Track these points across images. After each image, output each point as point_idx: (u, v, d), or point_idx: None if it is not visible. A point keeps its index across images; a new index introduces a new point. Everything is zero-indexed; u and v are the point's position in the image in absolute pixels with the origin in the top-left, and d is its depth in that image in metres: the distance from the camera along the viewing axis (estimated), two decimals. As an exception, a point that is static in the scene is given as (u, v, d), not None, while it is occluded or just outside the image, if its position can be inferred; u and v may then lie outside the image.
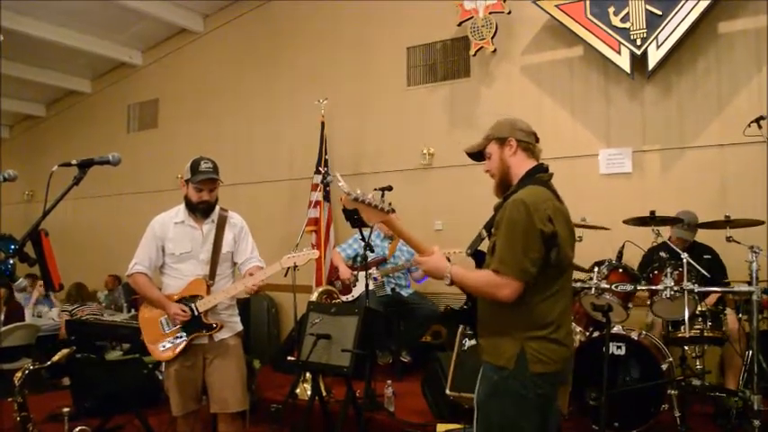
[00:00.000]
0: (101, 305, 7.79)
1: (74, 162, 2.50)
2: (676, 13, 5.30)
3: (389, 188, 5.24)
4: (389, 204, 2.31)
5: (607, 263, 4.28)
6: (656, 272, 4.22)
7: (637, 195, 5.56)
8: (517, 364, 2.23)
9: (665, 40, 5.36)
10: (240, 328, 3.66)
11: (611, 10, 5.59)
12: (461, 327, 4.48)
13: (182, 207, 3.57)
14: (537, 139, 2.48)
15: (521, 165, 2.42)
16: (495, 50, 6.30)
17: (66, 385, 5.87)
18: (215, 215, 3.57)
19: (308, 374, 4.97)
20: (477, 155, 2.55)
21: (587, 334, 4.44)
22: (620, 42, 5.54)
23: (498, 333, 2.31)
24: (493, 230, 2.35)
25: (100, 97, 10.27)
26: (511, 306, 2.23)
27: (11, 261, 2.20)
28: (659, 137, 5.66)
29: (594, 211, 5.01)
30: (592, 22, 5.67)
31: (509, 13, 6.17)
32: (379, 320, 5.39)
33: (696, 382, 4.30)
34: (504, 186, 2.45)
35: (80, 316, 6.60)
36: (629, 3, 5.50)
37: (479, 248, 2.49)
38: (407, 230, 2.42)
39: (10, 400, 3.09)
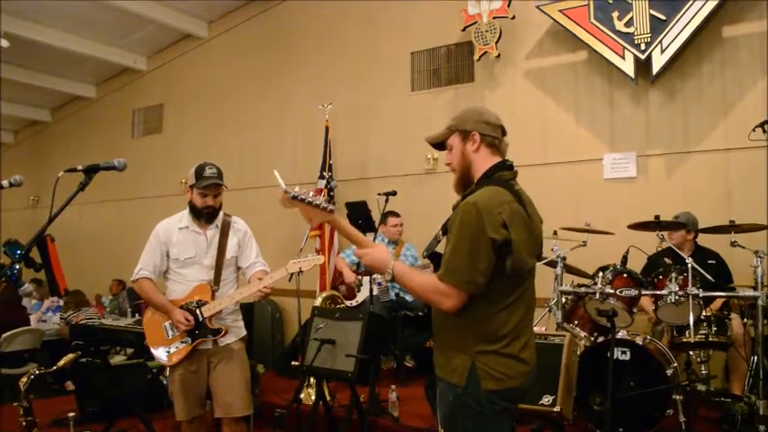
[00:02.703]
0: (105, 308, 7.81)
1: (79, 168, 2.50)
2: (680, 17, 5.30)
3: (394, 193, 5.25)
4: (330, 202, 2.17)
5: (611, 268, 4.27)
6: (660, 277, 4.21)
7: (641, 200, 5.55)
8: (468, 381, 2.07)
9: (670, 44, 5.36)
10: (244, 332, 3.67)
11: (615, 15, 5.59)
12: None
13: (186, 212, 3.58)
14: (504, 133, 2.29)
15: (484, 161, 2.24)
16: (498, 55, 6.30)
17: (69, 390, 5.89)
18: (219, 220, 3.58)
19: (312, 379, 4.97)
20: (440, 144, 2.38)
21: (592, 339, 4.43)
22: (624, 47, 5.54)
23: (450, 346, 2.16)
24: (448, 233, 2.18)
25: (105, 102, 10.32)
26: (461, 317, 2.07)
27: (17, 266, 2.21)
28: (663, 141, 5.66)
29: (598, 216, 5.01)
30: (596, 26, 5.67)
31: (513, 17, 6.18)
32: (384, 325, 5.39)
33: (701, 387, 4.29)
34: (465, 183, 2.28)
35: (75, 322, 6.60)
36: (633, 7, 5.51)
37: (436, 250, 2.35)
38: (352, 228, 2.29)
39: (16, 404, 3.09)
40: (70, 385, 6.11)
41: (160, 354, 3.51)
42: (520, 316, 2.14)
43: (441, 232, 2.29)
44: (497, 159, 2.26)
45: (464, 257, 2.03)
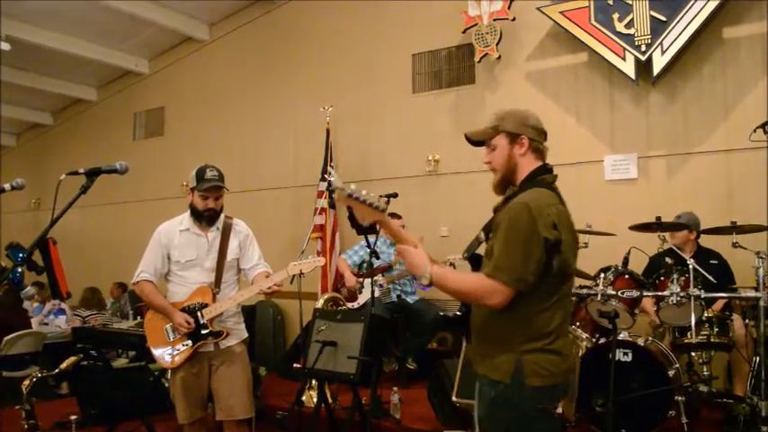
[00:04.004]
0: (107, 311, 7.81)
1: (81, 171, 2.50)
2: (681, 18, 5.30)
3: (395, 195, 5.25)
4: (385, 202, 2.17)
5: (613, 269, 4.27)
6: (662, 278, 4.21)
7: (642, 201, 5.54)
8: (514, 379, 2.11)
9: (670, 45, 5.36)
10: (246, 335, 3.67)
11: (616, 16, 5.59)
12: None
13: (187, 215, 3.58)
14: (545, 138, 2.36)
15: (529, 165, 2.29)
16: (499, 57, 6.31)
17: (64, 393, 5.91)
18: (220, 223, 3.59)
19: (313, 381, 4.97)
20: (475, 140, 2.40)
21: (593, 340, 4.43)
22: (625, 48, 5.54)
23: (494, 344, 2.20)
24: (491, 233, 2.23)
25: (106, 105, 10.33)
26: (508, 315, 2.12)
27: (19, 269, 2.21)
28: (664, 142, 5.66)
29: (600, 218, 5.00)
30: (596, 28, 5.68)
31: (513, 19, 6.19)
32: (385, 327, 5.39)
33: (703, 388, 4.29)
34: (506, 184, 2.33)
35: (93, 324, 6.62)
36: (634, 9, 5.51)
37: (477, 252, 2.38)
38: (399, 227, 2.31)
39: (18, 407, 3.10)
40: (64, 388, 6.14)
41: (161, 356, 3.51)
42: (562, 315, 2.21)
43: (482, 233, 2.33)
44: (540, 163, 2.32)
45: (516, 255, 2.07)
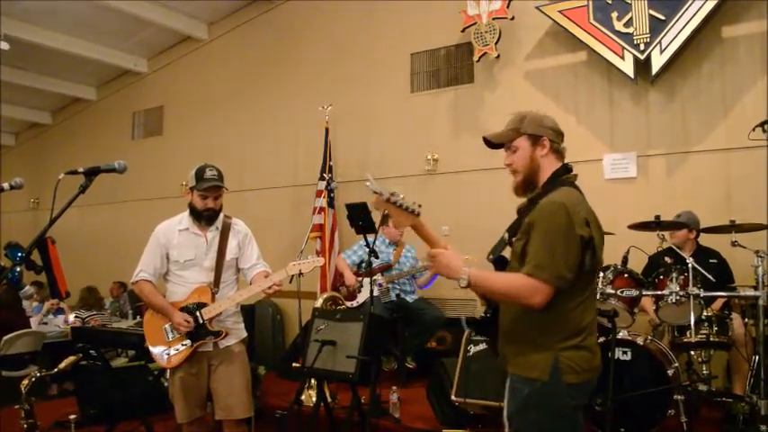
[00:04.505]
0: (107, 311, 7.81)
1: (80, 170, 2.50)
2: (679, 17, 5.30)
3: (394, 194, 5.24)
4: (419, 205, 2.17)
5: (612, 268, 4.27)
6: (661, 277, 4.21)
7: (641, 200, 5.54)
8: (551, 376, 2.14)
9: (669, 44, 5.36)
10: (245, 334, 3.67)
11: (615, 15, 5.59)
12: (466, 332, 4.47)
13: (186, 214, 3.58)
14: (563, 139, 2.40)
15: (550, 166, 2.33)
16: (498, 56, 6.31)
17: (53, 395, 5.90)
18: (219, 222, 3.58)
19: (313, 381, 4.97)
20: (492, 142, 2.42)
21: (593, 339, 4.42)
22: (624, 47, 5.54)
23: (528, 342, 2.21)
24: (519, 234, 2.25)
25: (105, 105, 10.33)
26: (543, 313, 2.14)
27: (17, 269, 2.21)
28: (663, 141, 5.66)
29: (599, 216, 4.97)
30: (595, 27, 5.67)
31: (512, 18, 6.18)
32: (384, 327, 5.39)
33: (703, 387, 4.28)
34: (528, 186, 2.36)
35: (93, 324, 6.61)
36: (633, 8, 5.51)
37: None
38: (430, 231, 2.28)
39: (17, 407, 3.10)
40: (54, 389, 6.14)
41: (160, 356, 3.51)
42: (592, 312, 2.25)
43: (507, 234, 2.35)
44: (560, 164, 2.36)
45: (556, 254, 2.10)
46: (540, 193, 2.28)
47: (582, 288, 2.19)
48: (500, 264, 2.37)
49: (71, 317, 7.10)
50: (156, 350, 3.52)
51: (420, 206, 2.18)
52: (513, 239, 2.31)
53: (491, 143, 2.42)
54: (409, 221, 2.19)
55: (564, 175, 2.34)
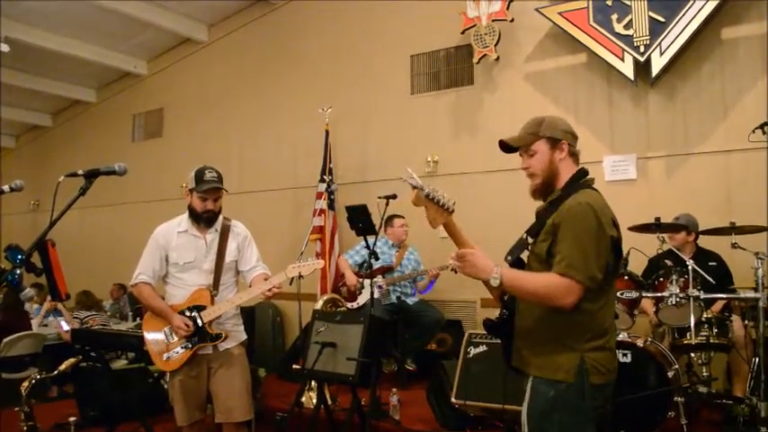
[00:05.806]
0: (106, 313, 7.80)
1: (80, 172, 2.50)
2: (679, 19, 5.31)
3: (394, 196, 5.25)
4: (453, 203, 2.16)
5: (612, 270, 4.26)
6: (661, 279, 4.21)
7: (641, 202, 5.54)
8: (577, 378, 2.13)
9: (669, 46, 5.36)
10: (244, 337, 3.66)
11: (614, 17, 5.60)
12: (466, 334, 4.47)
13: (185, 216, 3.57)
14: (577, 142, 2.41)
15: (568, 169, 2.34)
16: (498, 58, 6.31)
17: (52, 397, 5.89)
18: (218, 224, 3.58)
19: (313, 383, 4.97)
20: (507, 146, 2.41)
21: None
22: (624, 49, 5.55)
23: (553, 344, 2.20)
24: (542, 235, 2.25)
25: (105, 107, 10.33)
26: (569, 314, 2.14)
27: (18, 271, 2.21)
28: (663, 143, 5.66)
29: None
30: (595, 29, 5.68)
31: (512, 20, 6.19)
32: (384, 328, 5.39)
33: (703, 389, 4.27)
34: (546, 189, 2.35)
35: (91, 325, 6.61)
36: (632, 9, 5.52)
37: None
38: (460, 229, 2.26)
39: (17, 409, 3.09)
40: (54, 392, 6.14)
41: (160, 359, 3.49)
42: (612, 312, 2.27)
43: (526, 236, 2.35)
44: (576, 167, 2.38)
45: (587, 254, 2.11)
46: (562, 195, 2.29)
47: (605, 289, 2.20)
48: (517, 266, 2.35)
49: (65, 326, 7.07)
50: (155, 352, 3.51)
51: (455, 203, 2.16)
52: (537, 241, 2.30)
53: (507, 147, 2.42)
54: (443, 219, 2.17)
55: (584, 178, 2.36)
